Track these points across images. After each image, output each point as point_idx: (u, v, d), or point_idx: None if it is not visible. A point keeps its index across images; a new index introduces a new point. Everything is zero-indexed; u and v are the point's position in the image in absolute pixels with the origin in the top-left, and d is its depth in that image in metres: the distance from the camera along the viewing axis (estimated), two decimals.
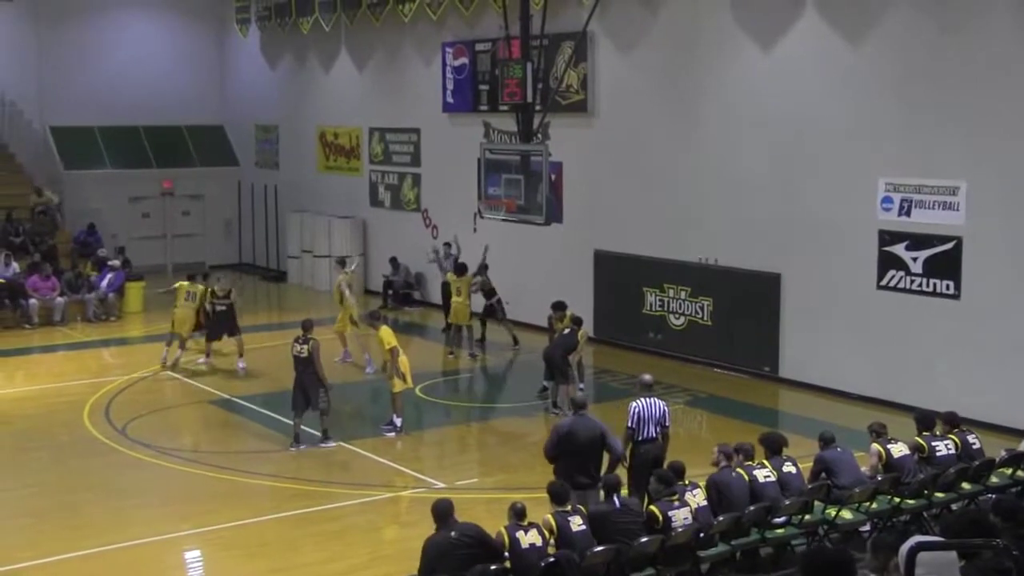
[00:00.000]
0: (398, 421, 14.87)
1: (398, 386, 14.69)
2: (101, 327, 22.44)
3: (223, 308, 18.43)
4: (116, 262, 23.82)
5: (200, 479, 13.45)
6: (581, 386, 15.98)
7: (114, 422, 15.59)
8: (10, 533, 12.07)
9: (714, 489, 10.00)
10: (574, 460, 10.44)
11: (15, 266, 22.72)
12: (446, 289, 20.12)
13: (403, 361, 14.73)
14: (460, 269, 19.58)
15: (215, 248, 29.68)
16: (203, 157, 29.70)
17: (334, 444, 14.39)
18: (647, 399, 11.13)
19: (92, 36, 28.30)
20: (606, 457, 10.69)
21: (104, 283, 23.15)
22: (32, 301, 22.17)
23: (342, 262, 20.45)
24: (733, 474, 10.07)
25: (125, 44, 28.62)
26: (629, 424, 11.00)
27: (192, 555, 11.39)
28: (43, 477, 13.59)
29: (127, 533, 11.53)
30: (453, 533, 8.68)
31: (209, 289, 18.56)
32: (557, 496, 9.19)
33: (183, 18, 29.68)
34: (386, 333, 14.80)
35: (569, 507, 9.14)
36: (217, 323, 18.49)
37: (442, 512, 8.82)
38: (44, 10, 27.46)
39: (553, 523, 8.93)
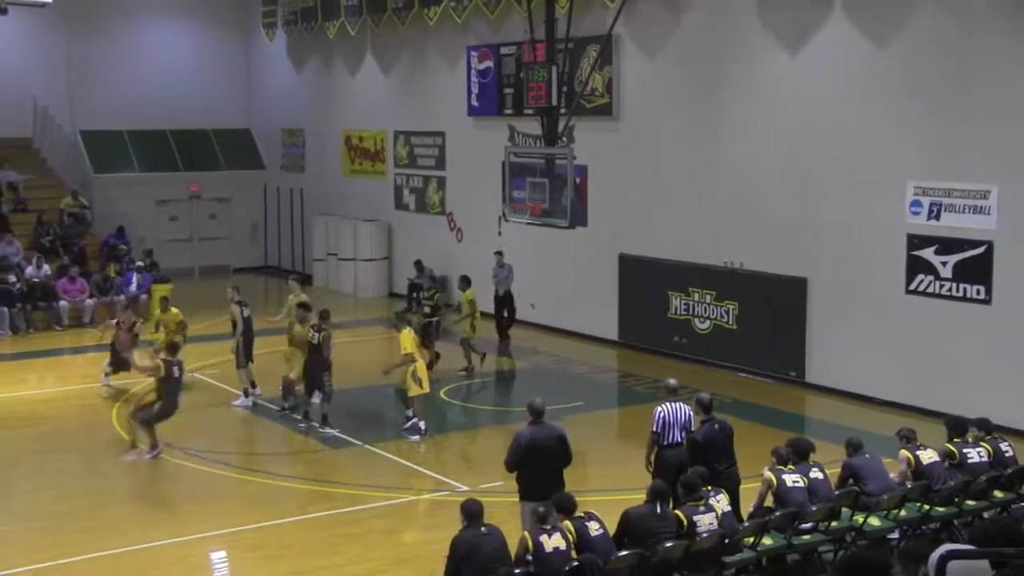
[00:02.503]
0: (422, 425, 14.88)
1: (414, 390, 14.80)
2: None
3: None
4: (140, 263, 23.96)
5: (224, 480, 13.48)
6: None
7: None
8: (36, 533, 12.11)
9: (766, 486, 10.03)
10: (537, 469, 10.12)
11: (46, 268, 22.98)
12: (501, 300, 20.04)
13: (420, 367, 14.82)
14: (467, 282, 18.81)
15: (241, 251, 29.83)
16: (230, 160, 29.87)
17: (335, 431, 14.85)
18: (672, 403, 11.02)
19: (121, 42, 28.56)
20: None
21: (132, 285, 23.33)
22: (62, 303, 22.39)
23: (303, 280, 18.48)
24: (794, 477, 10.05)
25: (153, 49, 28.86)
26: (654, 429, 10.90)
27: (216, 556, 11.39)
28: (70, 478, 13.66)
29: (151, 534, 11.55)
30: (484, 529, 8.72)
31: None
32: (566, 507, 9.08)
33: (210, 23, 29.87)
34: (406, 338, 14.86)
35: (583, 513, 9.07)
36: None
37: (473, 512, 8.82)
38: (74, 16, 27.68)
39: (572, 528, 8.88)
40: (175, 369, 14.11)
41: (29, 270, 22.75)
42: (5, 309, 21.85)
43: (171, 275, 25.18)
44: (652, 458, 10.94)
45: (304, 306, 15.94)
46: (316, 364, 15.14)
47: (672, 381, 11.40)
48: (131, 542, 11.29)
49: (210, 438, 15.06)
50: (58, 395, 17.54)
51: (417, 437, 14.81)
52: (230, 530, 11.78)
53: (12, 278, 22.26)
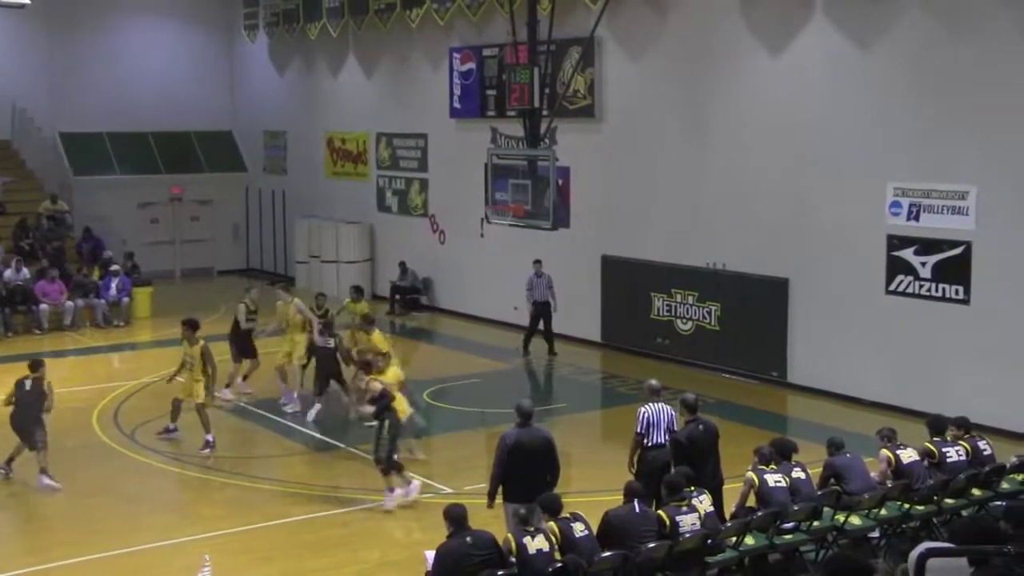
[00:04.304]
0: None
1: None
2: (110, 332, 22.52)
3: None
4: (117, 267, 23.85)
5: (208, 484, 13.49)
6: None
7: (123, 427, 15.62)
8: (19, 538, 12.12)
9: (748, 485, 10.10)
10: (521, 471, 10.09)
11: (25, 271, 22.85)
12: (538, 310, 19.56)
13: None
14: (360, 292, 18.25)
15: (223, 253, 29.75)
16: (212, 163, 29.78)
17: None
18: (655, 404, 11.08)
19: (102, 43, 28.44)
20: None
21: (113, 288, 23.24)
22: (43, 307, 22.27)
23: (286, 287, 18.11)
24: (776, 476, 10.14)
25: (135, 51, 28.74)
26: (638, 430, 10.95)
27: (203, 560, 11.37)
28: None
29: (136, 538, 11.54)
30: (469, 539, 8.69)
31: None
32: (552, 508, 9.11)
33: (192, 25, 29.78)
34: (378, 339, 15.23)
35: (569, 514, 9.11)
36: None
37: (458, 517, 8.81)
38: (55, 17, 27.56)
39: (557, 529, 8.91)
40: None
41: (8, 273, 22.60)
42: None
43: (153, 278, 25.14)
44: (635, 459, 11.00)
45: (366, 319, 16.17)
46: (329, 367, 15.62)
47: (654, 382, 11.46)
48: (119, 546, 11.27)
49: (194, 442, 15.02)
50: None
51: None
52: (216, 533, 11.77)
53: None
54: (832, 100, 16.62)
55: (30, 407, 13.30)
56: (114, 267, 23.79)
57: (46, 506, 12.84)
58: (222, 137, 30.22)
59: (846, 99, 16.45)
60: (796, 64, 17.11)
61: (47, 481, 13.05)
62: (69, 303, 22.63)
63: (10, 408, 13.41)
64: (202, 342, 14.71)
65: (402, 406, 13.32)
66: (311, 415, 15.68)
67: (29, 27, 27.39)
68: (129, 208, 27.99)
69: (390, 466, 12.17)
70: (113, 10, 28.60)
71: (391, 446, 12.16)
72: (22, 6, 25.37)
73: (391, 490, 12.25)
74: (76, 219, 26.56)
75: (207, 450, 14.37)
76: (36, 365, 13.67)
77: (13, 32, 27.35)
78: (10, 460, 13.46)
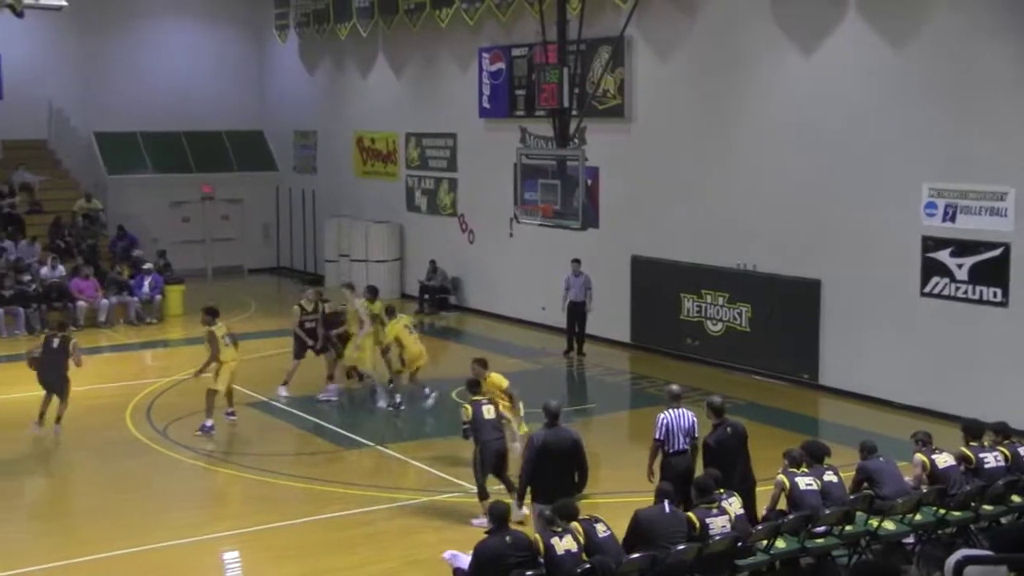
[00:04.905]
0: (397, 398, 16.06)
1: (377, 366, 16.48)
2: (143, 330, 22.72)
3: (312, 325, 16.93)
4: (149, 265, 24.05)
5: (237, 481, 13.51)
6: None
7: (155, 423, 15.70)
8: (50, 533, 12.17)
9: (779, 488, 9.99)
10: (548, 472, 10.06)
11: (61, 269, 23.12)
12: (573, 310, 19.42)
13: (403, 351, 15.82)
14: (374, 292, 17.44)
15: (254, 252, 29.88)
16: (242, 162, 29.93)
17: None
18: (676, 410, 10.84)
19: (135, 44, 28.66)
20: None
21: (145, 286, 23.43)
22: (80, 303, 22.50)
23: (351, 286, 17.73)
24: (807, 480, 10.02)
25: (167, 51, 28.94)
26: (656, 436, 10.72)
27: (227, 557, 11.38)
28: (84, 477, 13.76)
29: (163, 534, 11.58)
30: (508, 538, 8.70)
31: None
32: (569, 515, 8.98)
33: (223, 25, 29.95)
34: (392, 328, 15.87)
35: (588, 516, 9.04)
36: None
37: (500, 515, 8.81)
38: (89, 19, 27.73)
39: (581, 530, 8.85)
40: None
41: (44, 271, 22.90)
42: (20, 309, 21.98)
43: (184, 276, 25.29)
44: (656, 466, 10.79)
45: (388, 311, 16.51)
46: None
47: (675, 387, 11.30)
48: (146, 542, 11.32)
49: (224, 439, 15.08)
50: (74, 395, 17.38)
51: (393, 404, 16.11)
52: (242, 531, 11.78)
53: (27, 278, 22.43)
54: (865, 99, 16.42)
55: (58, 363, 14.63)
56: (147, 265, 23.98)
57: (75, 502, 12.90)
58: (253, 137, 30.37)
59: (879, 98, 16.24)
60: (828, 63, 16.92)
61: (58, 429, 14.69)
62: (104, 300, 22.87)
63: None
64: (212, 328, 15.08)
65: (516, 415, 12.82)
66: (383, 402, 16.36)
67: (64, 29, 27.59)
68: (161, 207, 28.17)
69: (482, 494, 11.47)
70: (145, 11, 28.81)
71: (482, 471, 11.58)
72: (60, 8, 25.58)
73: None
74: (109, 217, 26.82)
75: (200, 433, 14.86)
76: (63, 326, 14.92)
77: (49, 34, 27.57)
78: (42, 415, 14.74)
